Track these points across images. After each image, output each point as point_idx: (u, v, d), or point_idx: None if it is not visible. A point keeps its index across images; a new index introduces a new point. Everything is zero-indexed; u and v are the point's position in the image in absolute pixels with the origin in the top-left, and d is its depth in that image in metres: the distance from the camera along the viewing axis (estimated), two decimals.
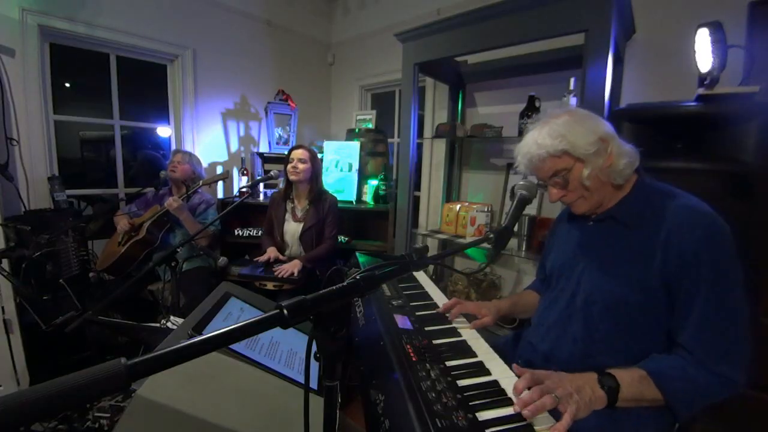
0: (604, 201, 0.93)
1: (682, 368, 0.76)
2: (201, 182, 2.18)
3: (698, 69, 1.29)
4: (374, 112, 3.01)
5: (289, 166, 2.10)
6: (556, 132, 0.89)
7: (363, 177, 2.75)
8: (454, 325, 1.06)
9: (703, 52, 1.27)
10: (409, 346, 0.88)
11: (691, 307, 0.78)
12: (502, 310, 1.18)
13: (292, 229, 2.17)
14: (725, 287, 0.76)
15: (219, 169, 3.06)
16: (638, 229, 0.87)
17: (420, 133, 2.32)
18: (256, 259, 2.09)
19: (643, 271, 0.83)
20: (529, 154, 0.93)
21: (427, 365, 0.81)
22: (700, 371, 0.75)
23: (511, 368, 0.86)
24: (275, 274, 1.96)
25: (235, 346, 0.92)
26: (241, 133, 3.19)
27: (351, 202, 2.68)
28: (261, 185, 2.81)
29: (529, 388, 0.74)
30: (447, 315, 1.11)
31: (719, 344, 0.76)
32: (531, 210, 2.12)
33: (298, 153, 2.10)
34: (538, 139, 0.91)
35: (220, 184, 3.06)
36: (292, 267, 1.98)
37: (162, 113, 2.88)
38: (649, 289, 0.82)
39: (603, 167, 0.88)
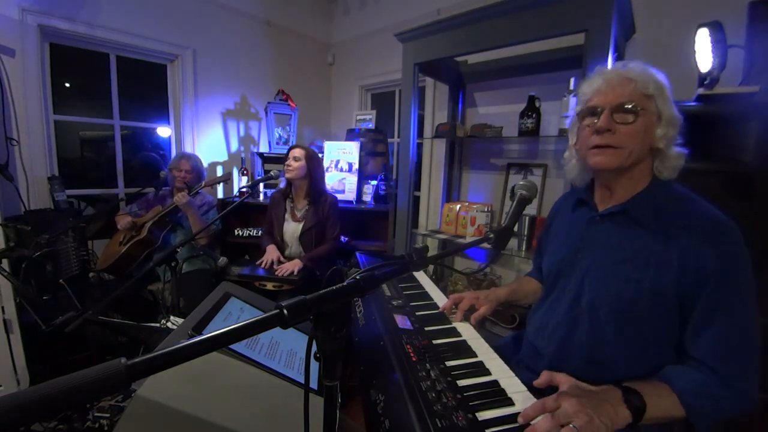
0: (624, 181, 0.87)
1: (707, 385, 0.73)
2: (203, 183, 2.19)
3: (698, 69, 1.30)
4: (374, 112, 3.01)
5: (285, 164, 2.12)
6: (650, 74, 0.83)
7: (363, 177, 2.75)
8: (454, 325, 1.06)
9: (703, 52, 1.27)
10: (409, 346, 0.88)
11: (710, 323, 0.74)
12: (500, 298, 1.14)
13: (292, 229, 2.17)
14: (745, 303, 0.74)
15: (219, 170, 3.07)
16: (652, 229, 0.82)
17: (420, 133, 2.31)
18: (258, 263, 2.10)
19: (657, 278, 0.78)
20: (621, 74, 0.85)
21: (427, 365, 0.81)
22: (722, 388, 0.73)
23: (511, 368, 0.86)
24: (276, 272, 1.97)
25: (235, 346, 0.92)
26: (241, 133, 3.19)
27: (351, 202, 2.68)
28: (261, 185, 2.82)
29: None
30: (451, 316, 1.10)
31: (740, 361, 0.74)
32: (531, 210, 2.12)
33: (294, 151, 2.13)
34: (638, 65, 0.85)
35: (220, 184, 3.07)
36: (293, 266, 1.99)
37: (162, 113, 2.88)
38: (661, 297, 0.78)
39: (666, 142, 0.83)
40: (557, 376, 0.77)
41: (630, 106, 0.82)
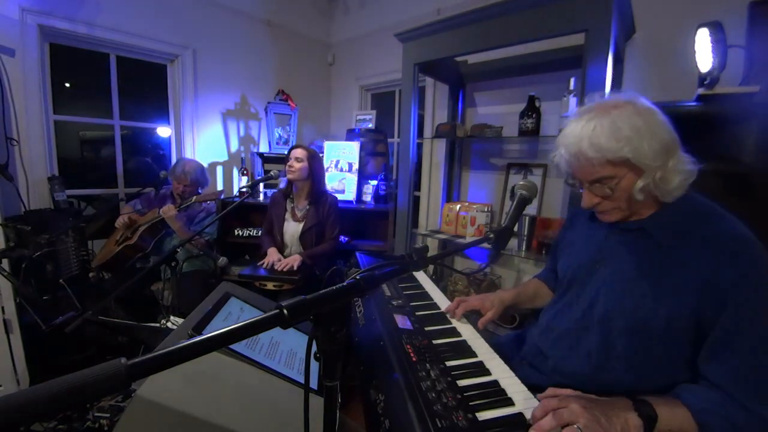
0: (638, 211, 0.85)
1: (722, 405, 0.70)
2: (194, 199, 2.14)
3: (698, 69, 1.29)
4: (374, 112, 3.01)
5: (287, 165, 2.12)
6: (619, 133, 0.75)
7: (363, 177, 2.75)
8: (454, 325, 1.06)
9: (703, 52, 1.27)
10: (409, 346, 0.88)
11: (727, 346, 0.71)
12: (506, 302, 1.13)
13: (292, 228, 2.17)
14: (764, 325, 0.70)
15: (219, 170, 3.07)
16: (671, 249, 0.78)
17: (420, 133, 2.32)
18: (259, 264, 2.10)
19: (673, 297, 0.75)
20: (578, 153, 0.80)
21: (427, 365, 0.81)
22: (739, 411, 0.69)
23: (511, 367, 0.86)
24: (276, 268, 1.98)
25: (235, 346, 0.92)
26: (241, 133, 3.19)
27: (351, 202, 2.68)
28: (261, 185, 2.82)
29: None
30: (448, 315, 1.10)
31: (758, 384, 0.70)
32: (531, 210, 2.12)
33: (296, 152, 2.13)
34: (593, 138, 0.77)
35: (220, 183, 3.07)
36: (292, 261, 2.00)
37: (162, 113, 2.88)
38: (677, 317, 0.75)
39: (655, 180, 0.77)
40: (563, 392, 0.75)
41: (599, 182, 0.81)
